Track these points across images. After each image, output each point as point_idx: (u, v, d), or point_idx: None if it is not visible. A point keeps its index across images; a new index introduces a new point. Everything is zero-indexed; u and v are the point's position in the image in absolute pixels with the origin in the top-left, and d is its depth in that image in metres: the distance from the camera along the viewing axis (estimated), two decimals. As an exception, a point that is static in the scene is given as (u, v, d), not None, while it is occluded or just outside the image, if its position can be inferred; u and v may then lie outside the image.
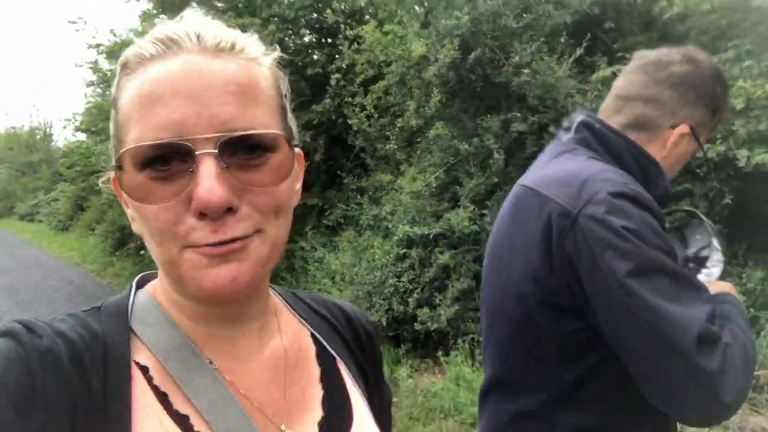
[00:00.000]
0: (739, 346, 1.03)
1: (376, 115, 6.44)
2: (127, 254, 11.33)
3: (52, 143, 29.28)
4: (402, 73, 5.88)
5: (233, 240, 0.56)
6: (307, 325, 0.77)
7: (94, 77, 11.80)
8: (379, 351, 0.87)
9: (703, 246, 1.42)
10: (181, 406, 0.59)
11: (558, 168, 1.22)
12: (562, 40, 5.15)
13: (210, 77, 0.56)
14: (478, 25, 5.16)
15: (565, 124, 1.36)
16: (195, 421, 0.59)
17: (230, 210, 0.56)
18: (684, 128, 1.23)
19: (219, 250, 0.56)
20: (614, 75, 4.49)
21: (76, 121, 13.53)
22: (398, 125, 5.87)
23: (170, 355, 0.62)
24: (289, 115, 0.66)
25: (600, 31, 5.74)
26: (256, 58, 0.62)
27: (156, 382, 0.60)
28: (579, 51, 4.94)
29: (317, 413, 0.69)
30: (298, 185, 0.68)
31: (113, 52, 10.97)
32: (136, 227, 0.63)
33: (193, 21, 0.61)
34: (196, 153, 0.54)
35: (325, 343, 0.77)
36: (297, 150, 0.65)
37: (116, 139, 0.60)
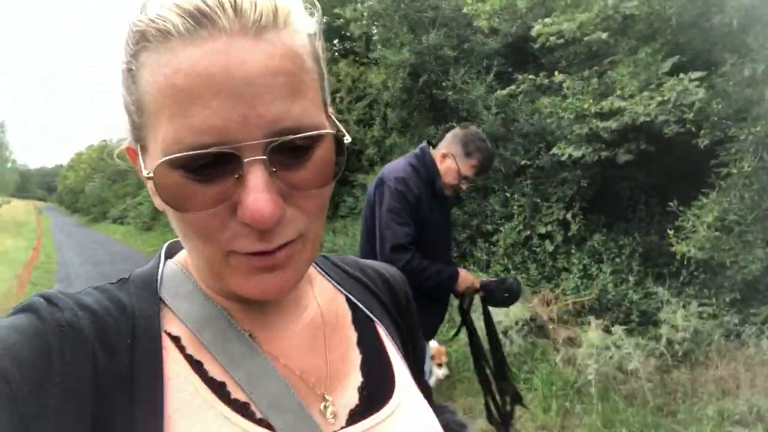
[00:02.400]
0: (422, 265, 2.46)
1: (356, 128, 8.21)
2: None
3: (138, 153, 32.34)
4: (375, 95, 7.58)
5: (279, 247, 0.52)
6: (342, 289, 0.74)
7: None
8: (415, 308, 0.85)
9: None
10: (217, 376, 0.56)
11: (398, 162, 2.61)
12: (484, 64, 6.65)
13: (255, 69, 0.46)
14: (422, 57, 6.74)
15: (421, 145, 2.67)
16: (232, 389, 0.56)
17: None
18: (444, 152, 2.59)
19: (266, 264, 0.52)
20: (510, 93, 5.93)
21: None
22: (368, 135, 7.61)
23: (204, 325, 0.58)
24: (326, 82, 0.57)
25: (532, 50, 7.09)
26: (300, 30, 0.51)
27: (189, 351, 0.57)
28: (492, 74, 6.44)
29: (357, 378, 0.66)
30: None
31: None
32: (160, 203, 0.55)
33: None
34: (245, 161, 0.47)
35: (361, 306, 0.74)
36: (346, 138, 0.54)
37: (137, 114, 0.51)
